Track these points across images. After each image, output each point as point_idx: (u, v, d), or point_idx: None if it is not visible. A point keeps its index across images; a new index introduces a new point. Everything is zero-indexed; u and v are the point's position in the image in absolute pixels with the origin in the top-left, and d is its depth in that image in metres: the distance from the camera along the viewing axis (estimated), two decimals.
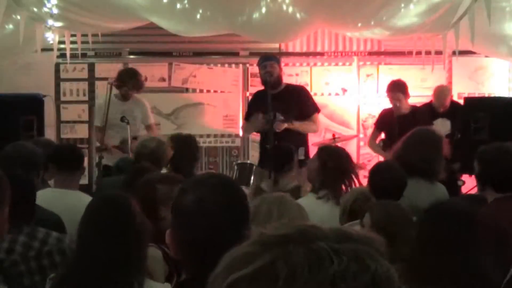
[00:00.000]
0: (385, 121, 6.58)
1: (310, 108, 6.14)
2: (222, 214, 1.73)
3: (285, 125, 5.83)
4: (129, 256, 2.43)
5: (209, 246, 1.71)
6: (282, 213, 2.94)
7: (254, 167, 6.25)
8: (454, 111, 6.66)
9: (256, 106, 6.09)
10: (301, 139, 5.99)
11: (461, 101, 6.84)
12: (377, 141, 6.79)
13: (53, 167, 4.15)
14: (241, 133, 7.75)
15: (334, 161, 4.23)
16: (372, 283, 0.86)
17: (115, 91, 6.56)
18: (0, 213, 2.11)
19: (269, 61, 6.11)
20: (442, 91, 6.80)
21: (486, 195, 3.58)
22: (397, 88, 6.39)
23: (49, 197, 3.85)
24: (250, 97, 6.96)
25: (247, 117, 6.31)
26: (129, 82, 6.47)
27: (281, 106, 5.87)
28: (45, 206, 3.50)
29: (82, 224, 2.58)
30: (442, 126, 6.63)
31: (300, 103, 6.05)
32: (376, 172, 3.81)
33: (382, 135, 6.75)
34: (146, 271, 2.55)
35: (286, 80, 7.70)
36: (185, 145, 5.12)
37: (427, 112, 6.63)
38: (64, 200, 3.92)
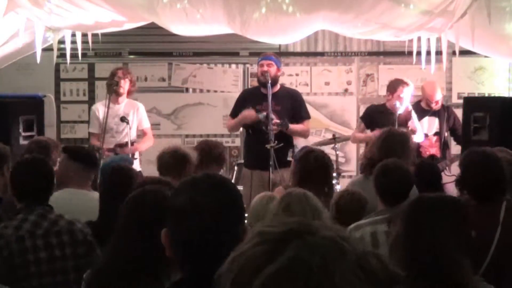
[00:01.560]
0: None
1: (303, 114, 6.13)
2: (215, 215, 1.73)
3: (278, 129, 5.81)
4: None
5: (203, 246, 1.73)
6: (313, 208, 3.01)
7: (244, 168, 6.24)
8: (444, 112, 6.70)
9: (246, 104, 6.06)
10: (291, 141, 6.02)
11: (461, 101, 6.85)
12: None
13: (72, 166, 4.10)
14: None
15: (304, 163, 4.31)
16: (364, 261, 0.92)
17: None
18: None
19: (266, 60, 6.09)
20: (431, 84, 6.84)
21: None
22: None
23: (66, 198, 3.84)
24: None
25: (234, 116, 6.19)
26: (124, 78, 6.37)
27: (276, 107, 5.87)
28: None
29: (125, 216, 2.55)
30: (429, 124, 6.66)
31: (294, 106, 6.06)
32: (382, 173, 3.73)
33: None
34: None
35: (286, 80, 7.71)
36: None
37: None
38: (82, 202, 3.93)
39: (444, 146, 6.76)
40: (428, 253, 2.22)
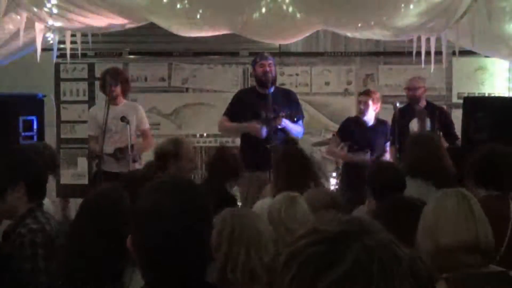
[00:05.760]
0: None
1: (299, 113, 6.17)
2: (178, 219, 1.67)
3: (285, 121, 5.86)
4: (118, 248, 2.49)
5: (164, 252, 1.66)
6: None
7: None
8: (432, 110, 6.65)
9: (243, 105, 6.07)
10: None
11: (461, 101, 6.84)
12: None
13: None
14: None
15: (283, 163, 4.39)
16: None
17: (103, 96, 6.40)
18: None
19: (267, 60, 6.13)
20: (412, 79, 6.86)
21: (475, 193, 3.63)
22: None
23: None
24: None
25: (231, 116, 6.19)
26: (113, 81, 6.28)
27: (273, 106, 5.89)
28: None
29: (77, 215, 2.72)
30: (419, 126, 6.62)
31: (290, 106, 6.09)
32: (375, 172, 3.75)
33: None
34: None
35: (286, 80, 7.72)
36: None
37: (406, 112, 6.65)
38: None
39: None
40: None
